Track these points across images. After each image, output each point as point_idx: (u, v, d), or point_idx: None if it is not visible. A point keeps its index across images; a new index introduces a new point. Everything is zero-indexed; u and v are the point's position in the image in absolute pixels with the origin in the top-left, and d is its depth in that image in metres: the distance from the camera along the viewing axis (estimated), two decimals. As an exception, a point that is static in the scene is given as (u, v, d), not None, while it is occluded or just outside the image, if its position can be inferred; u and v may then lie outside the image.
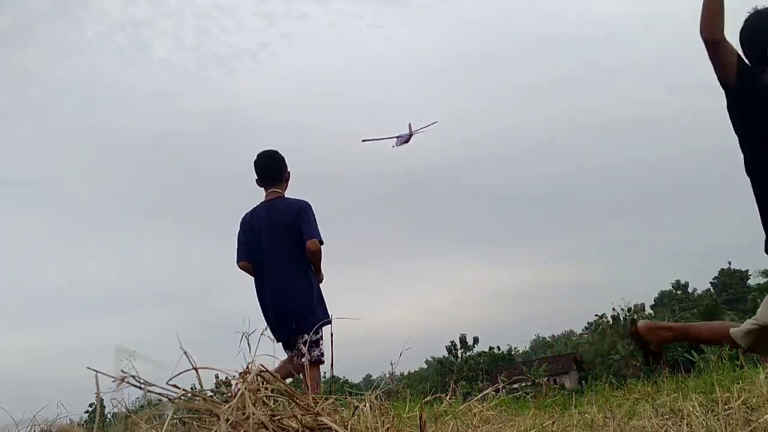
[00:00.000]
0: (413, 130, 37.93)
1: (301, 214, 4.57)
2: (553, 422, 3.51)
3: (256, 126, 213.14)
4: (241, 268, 4.75)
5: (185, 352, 2.13)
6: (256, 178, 4.77)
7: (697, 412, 3.20)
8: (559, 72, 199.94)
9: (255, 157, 4.76)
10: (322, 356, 4.61)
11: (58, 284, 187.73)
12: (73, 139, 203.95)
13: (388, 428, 2.05)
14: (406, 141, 38.32)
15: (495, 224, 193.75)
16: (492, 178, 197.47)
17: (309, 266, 4.65)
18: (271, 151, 4.81)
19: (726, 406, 3.21)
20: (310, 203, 4.66)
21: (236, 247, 4.74)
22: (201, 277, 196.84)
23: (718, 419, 2.93)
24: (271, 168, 4.75)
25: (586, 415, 4.07)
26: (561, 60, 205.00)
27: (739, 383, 3.97)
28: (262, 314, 4.66)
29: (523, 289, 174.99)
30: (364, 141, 42.24)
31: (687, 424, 3.00)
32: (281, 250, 4.55)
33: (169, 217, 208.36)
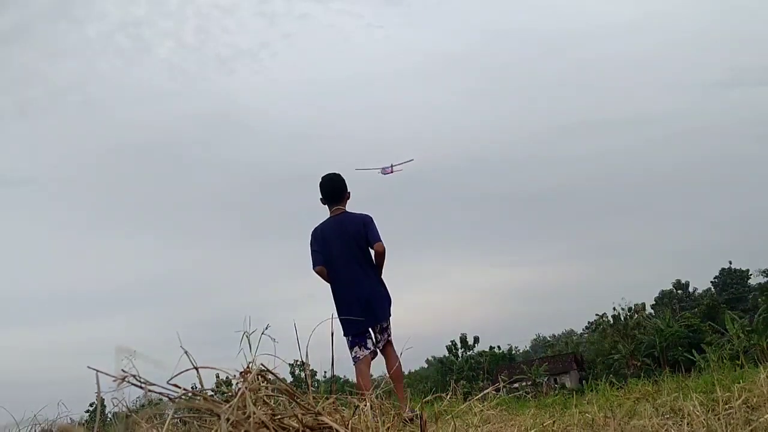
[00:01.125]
0: (394, 164, 49.28)
1: (367, 225, 5.46)
2: (554, 422, 3.51)
3: (256, 127, 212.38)
4: (317, 273, 5.51)
5: (185, 352, 2.13)
6: (320, 197, 5.57)
7: (698, 411, 3.19)
8: (560, 71, 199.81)
9: (320, 179, 5.56)
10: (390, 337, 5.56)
11: (58, 284, 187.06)
12: (73, 139, 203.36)
13: (388, 428, 2.05)
14: (390, 172, 49.62)
15: (496, 224, 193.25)
16: (493, 178, 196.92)
17: (374, 266, 5.58)
18: (335, 174, 5.59)
19: (727, 406, 3.20)
20: (371, 216, 5.52)
21: (311, 255, 5.52)
22: (201, 278, 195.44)
23: (718, 419, 2.93)
24: (335, 189, 5.58)
25: (587, 414, 4.07)
26: (561, 59, 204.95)
27: (739, 383, 3.96)
28: (339, 309, 5.41)
29: (523, 288, 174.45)
30: (357, 170, 47.92)
31: (687, 424, 3.00)
32: (355, 256, 5.42)
33: (168, 218, 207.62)
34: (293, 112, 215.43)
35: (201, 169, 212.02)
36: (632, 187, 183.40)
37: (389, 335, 5.50)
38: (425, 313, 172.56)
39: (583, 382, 73.90)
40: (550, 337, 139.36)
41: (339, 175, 5.56)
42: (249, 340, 2.56)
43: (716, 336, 60.60)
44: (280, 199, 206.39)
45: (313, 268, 5.50)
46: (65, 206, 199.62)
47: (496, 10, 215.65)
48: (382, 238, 5.52)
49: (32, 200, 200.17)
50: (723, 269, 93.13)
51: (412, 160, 50.26)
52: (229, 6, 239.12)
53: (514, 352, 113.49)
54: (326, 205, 5.57)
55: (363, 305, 5.36)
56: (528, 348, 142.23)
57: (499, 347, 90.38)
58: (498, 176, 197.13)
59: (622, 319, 67.60)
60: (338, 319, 5.24)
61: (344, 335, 5.39)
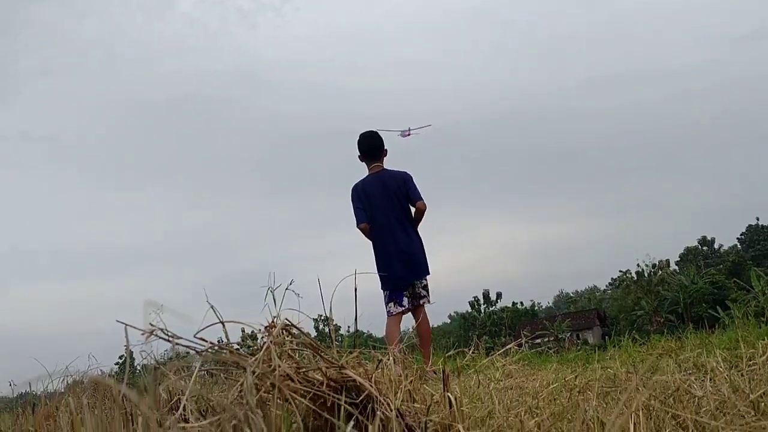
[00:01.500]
0: (411, 129, 50.68)
1: (407, 182, 5.52)
2: (576, 376, 3.53)
3: (278, 83, 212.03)
4: (361, 230, 5.58)
5: (212, 307, 2.18)
6: (359, 154, 5.62)
7: (721, 367, 3.19)
8: (584, 25, 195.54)
9: (358, 137, 5.60)
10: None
11: (83, 240, 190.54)
12: (95, 96, 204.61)
13: (411, 381, 2.08)
14: (408, 135, 50.85)
15: (521, 180, 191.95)
16: (518, 133, 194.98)
17: (414, 223, 5.63)
18: (372, 132, 5.63)
19: (751, 362, 3.20)
20: (411, 173, 5.57)
21: (354, 212, 5.59)
22: (226, 234, 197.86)
23: (742, 375, 2.92)
24: (373, 146, 5.63)
25: (609, 369, 4.09)
26: (589, 11, 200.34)
27: (764, 339, 3.94)
28: (379, 264, 5.46)
29: (547, 245, 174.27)
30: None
31: (710, 380, 3.00)
32: (396, 212, 5.49)
33: (192, 175, 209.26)
34: (315, 68, 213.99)
35: (223, 126, 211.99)
36: (659, 142, 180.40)
37: (428, 293, 5.56)
38: (448, 269, 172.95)
39: (606, 338, 74.13)
40: (573, 293, 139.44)
41: (376, 133, 5.61)
42: (274, 295, 2.60)
43: (741, 293, 60.13)
44: (301, 156, 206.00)
45: (357, 226, 5.58)
46: (87, 163, 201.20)
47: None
48: (423, 196, 5.60)
49: (54, 157, 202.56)
50: (750, 226, 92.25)
51: (430, 125, 53.68)
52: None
53: (536, 308, 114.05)
54: (364, 162, 5.64)
55: (405, 261, 5.46)
56: (551, 304, 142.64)
57: (522, 303, 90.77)
58: (523, 132, 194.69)
59: (646, 275, 67.41)
60: (378, 274, 5.39)
61: (382, 289, 5.48)
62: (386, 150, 5.63)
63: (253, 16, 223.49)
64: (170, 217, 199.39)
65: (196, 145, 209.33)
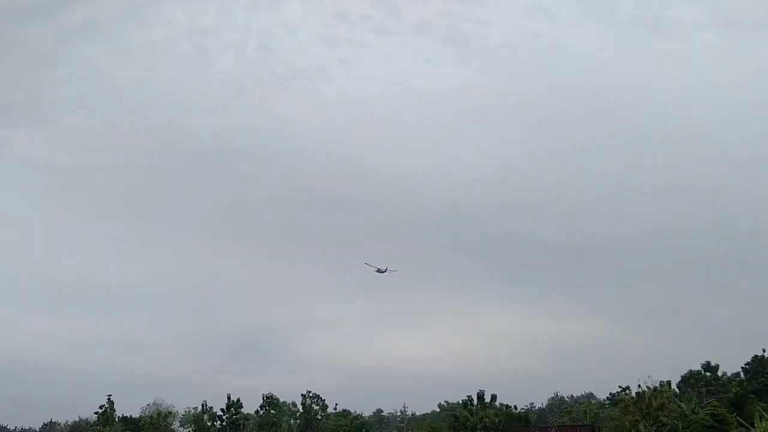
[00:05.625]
0: (387, 268, 78.27)
1: None
2: None
3: (305, 148, 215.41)
4: None
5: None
6: None
7: None
8: (616, 133, 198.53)
9: None
10: None
11: (83, 275, 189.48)
12: (123, 138, 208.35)
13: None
14: (384, 272, 78.03)
15: (529, 274, 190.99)
16: (533, 227, 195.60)
17: None
18: None
19: None
20: None
21: None
22: (227, 288, 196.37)
23: None
24: None
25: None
26: (620, 122, 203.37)
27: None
28: None
29: (548, 341, 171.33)
30: (365, 263, 79.58)
31: None
32: None
33: (204, 228, 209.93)
34: (340, 137, 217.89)
35: (244, 185, 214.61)
36: (679, 255, 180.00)
37: None
38: (445, 352, 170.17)
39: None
40: (568, 397, 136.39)
41: None
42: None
43: (742, 430, 58.45)
44: (312, 222, 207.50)
45: None
46: (101, 200, 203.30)
47: (555, 62, 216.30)
48: None
49: (71, 190, 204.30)
50: (756, 356, 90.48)
51: (396, 271, 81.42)
52: (294, 25, 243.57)
53: (530, 410, 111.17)
54: None
55: None
56: (544, 406, 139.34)
57: (515, 407, 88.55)
58: (537, 226, 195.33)
59: (646, 398, 65.66)
60: None
61: None
62: None
63: (288, 81, 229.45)
64: (174, 263, 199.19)
65: (213, 198, 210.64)
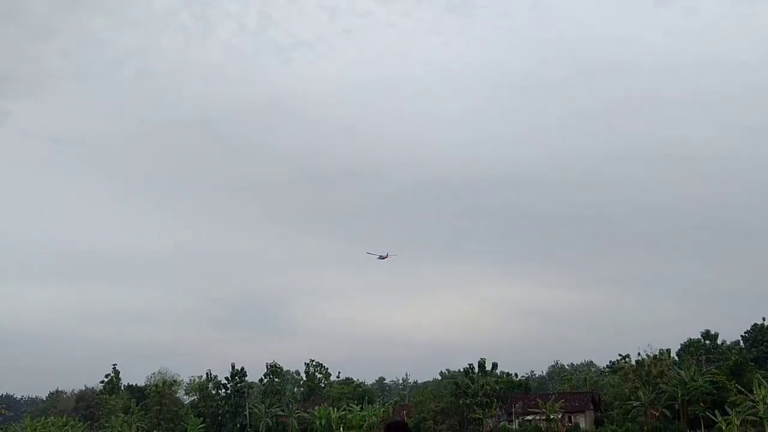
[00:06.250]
0: (388, 254, 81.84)
1: None
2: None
3: (305, 117, 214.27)
4: None
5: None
6: None
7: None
8: (613, 99, 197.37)
9: (387, 428, 5.14)
10: None
11: (88, 244, 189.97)
12: (126, 108, 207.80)
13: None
14: (386, 257, 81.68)
15: (530, 244, 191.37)
16: (534, 197, 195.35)
17: None
18: (403, 423, 5.13)
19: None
20: None
21: None
22: (232, 259, 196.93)
23: None
24: None
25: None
26: (617, 88, 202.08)
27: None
28: None
29: (548, 311, 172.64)
30: (367, 253, 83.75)
31: None
32: None
33: (204, 196, 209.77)
34: (342, 108, 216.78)
35: (245, 154, 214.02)
36: (679, 223, 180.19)
37: None
38: (447, 321, 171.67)
39: (598, 424, 72.73)
40: (568, 365, 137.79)
41: (407, 425, 5.12)
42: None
43: (741, 397, 59.12)
44: (315, 192, 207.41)
45: None
46: (106, 171, 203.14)
47: (558, 31, 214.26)
48: None
49: (78, 161, 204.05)
50: (755, 325, 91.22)
51: (396, 255, 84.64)
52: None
53: (530, 377, 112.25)
54: None
55: None
56: (544, 374, 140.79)
57: (516, 375, 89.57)
58: (541, 195, 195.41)
59: (646, 366, 66.34)
60: None
61: None
62: None
63: (289, 51, 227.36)
64: (175, 232, 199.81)
65: (214, 166, 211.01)
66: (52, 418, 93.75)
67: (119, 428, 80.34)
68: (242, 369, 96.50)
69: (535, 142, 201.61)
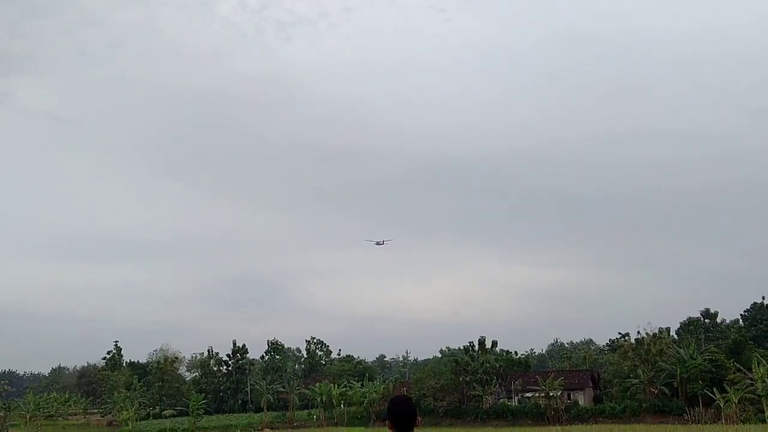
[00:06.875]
0: (385, 240, 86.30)
1: None
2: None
3: (306, 96, 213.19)
4: None
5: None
6: (388, 421, 4.93)
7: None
8: (619, 79, 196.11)
9: (391, 402, 4.98)
10: None
11: (90, 225, 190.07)
12: (126, 85, 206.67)
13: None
14: (383, 243, 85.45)
15: (531, 224, 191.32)
16: (535, 176, 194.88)
17: None
18: (407, 397, 5.02)
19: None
20: None
21: None
22: (233, 237, 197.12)
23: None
24: (409, 415, 4.92)
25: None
26: (623, 69, 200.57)
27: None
28: None
29: (548, 289, 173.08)
30: (364, 240, 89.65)
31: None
32: None
33: (208, 175, 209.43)
34: (343, 85, 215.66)
35: (245, 132, 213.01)
36: (680, 203, 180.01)
37: None
38: (448, 299, 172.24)
39: (597, 402, 73.19)
40: (568, 343, 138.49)
41: (411, 399, 5.03)
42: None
43: (739, 375, 59.38)
44: (318, 170, 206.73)
45: None
46: (107, 149, 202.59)
47: (561, 10, 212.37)
48: None
49: (76, 139, 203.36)
50: (755, 303, 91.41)
51: (392, 240, 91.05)
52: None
53: (530, 355, 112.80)
54: (392, 431, 4.99)
55: None
56: (544, 351, 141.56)
57: (516, 353, 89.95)
58: (540, 175, 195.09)
59: (645, 344, 66.56)
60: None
61: None
62: (420, 419, 5.01)
63: (290, 28, 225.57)
64: (181, 212, 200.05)
65: (216, 142, 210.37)
66: (55, 394, 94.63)
67: (121, 404, 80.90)
68: (243, 346, 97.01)
69: (535, 123, 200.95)
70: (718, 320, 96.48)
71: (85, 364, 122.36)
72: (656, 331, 69.48)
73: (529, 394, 68.97)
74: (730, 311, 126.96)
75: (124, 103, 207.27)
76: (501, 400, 71.69)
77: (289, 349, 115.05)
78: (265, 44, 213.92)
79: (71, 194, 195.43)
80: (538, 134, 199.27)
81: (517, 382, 73.13)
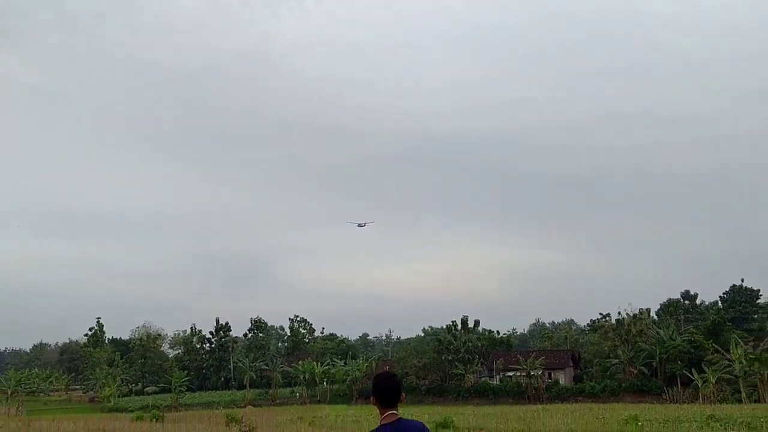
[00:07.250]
0: (367, 222, 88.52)
1: None
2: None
3: (291, 72, 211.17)
4: None
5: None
6: (372, 397, 4.97)
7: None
8: (606, 60, 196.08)
9: (376, 378, 5.04)
10: None
11: (76, 200, 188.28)
12: (110, 59, 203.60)
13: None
14: (364, 225, 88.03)
15: (513, 204, 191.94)
16: (520, 157, 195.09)
17: None
18: (392, 374, 5.10)
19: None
20: (426, 425, 5.03)
21: None
22: (217, 214, 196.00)
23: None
24: (393, 391, 4.97)
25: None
26: (610, 49, 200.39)
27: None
28: None
29: (530, 270, 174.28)
30: (347, 222, 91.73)
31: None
32: None
33: (192, 151, 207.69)
34: (328, 63, 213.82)
35: (231, 107, 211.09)
36: (664, 185, 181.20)
37: None
38: (433, 280, 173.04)
39: (577, 381, 74.12)
40: (549, 323, 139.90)
41: (395, 376, 5.08)
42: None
43: (718, 355, 60.36)
44: (304, 148, 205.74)
45: None
46: (91, 123, 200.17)
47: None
48: None
49: (61, 113, 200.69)
50: (734, 285, 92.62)
51: (374, 222, 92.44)
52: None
53: (512, 334, 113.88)
54: (377, 406, 5.03)
55: None
56: (526, 331, 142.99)
57: (498, 332, 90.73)
58: (525, 156, 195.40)
59: (626, 325, 67.37)
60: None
61: None
62: (404, 396, 5.10)
63: (277, 4, 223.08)
64: (164, 188, 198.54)
65: (201, 119, 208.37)
66: (36, 370, 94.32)
67: (103, 380, 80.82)
68: (227, 324, 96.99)
69: (523, 104, 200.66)
70: (698, 302, 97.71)
71: (67, 341, 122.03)
72: (636, 312, 70.32)
73: (510, 373, 69.65)
74: (710, 293, 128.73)
75: (107, 76, 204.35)
76: (483, 379, 72.36)
77: (272, 327, 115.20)
78: (251, 19, 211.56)
79: (54, 169, 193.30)
80: (524, 115, 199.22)
81: (498, 361, 73.80)
